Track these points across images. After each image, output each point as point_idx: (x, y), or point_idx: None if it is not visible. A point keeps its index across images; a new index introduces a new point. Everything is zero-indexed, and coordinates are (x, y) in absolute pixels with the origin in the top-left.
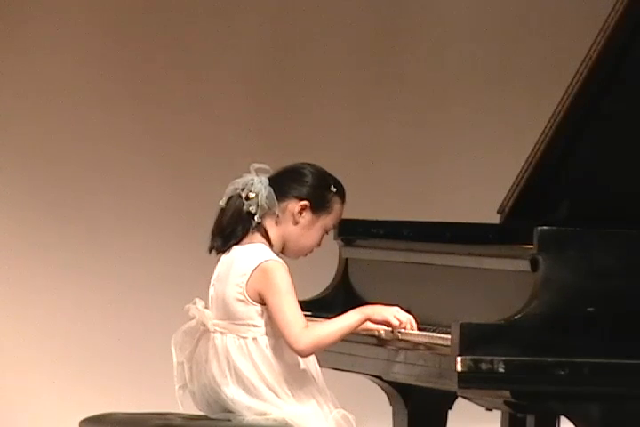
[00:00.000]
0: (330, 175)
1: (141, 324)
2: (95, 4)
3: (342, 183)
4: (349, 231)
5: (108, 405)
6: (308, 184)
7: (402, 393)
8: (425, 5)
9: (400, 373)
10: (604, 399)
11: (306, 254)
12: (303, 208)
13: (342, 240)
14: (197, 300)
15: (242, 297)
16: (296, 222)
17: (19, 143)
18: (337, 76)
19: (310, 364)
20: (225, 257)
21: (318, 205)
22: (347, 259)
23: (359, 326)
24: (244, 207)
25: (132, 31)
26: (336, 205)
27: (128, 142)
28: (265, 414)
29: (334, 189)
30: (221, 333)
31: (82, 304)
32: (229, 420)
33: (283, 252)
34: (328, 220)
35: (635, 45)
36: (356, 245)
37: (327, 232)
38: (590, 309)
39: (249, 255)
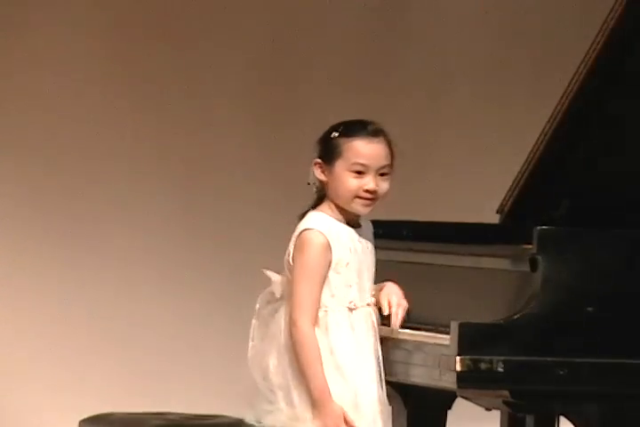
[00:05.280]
0: (338, 124)
1: (141, 324)
2: (94, 5)
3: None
4: None
5: (107, 405)
6: (317, 145)
7: (402, 393)
8: (425, 4)
9: (400, 373)
10: (604, 399)
11: (361, 198)
12: (319, 166)
13: None
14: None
15: (288, 265)
16: (326, 182)
17: (18, 144)
18: (336, 76)
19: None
20: None
21: (327, 157)
22: None
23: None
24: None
25: (131, 33)
26: (345, 145)
27: (126, 143)
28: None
29: (336, 134)
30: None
31: (81, 304)
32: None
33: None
34: (348, 160)
35: (634, 45)
36: None
37: (362, 171)
38: (589, 308)
39: (300, 224)
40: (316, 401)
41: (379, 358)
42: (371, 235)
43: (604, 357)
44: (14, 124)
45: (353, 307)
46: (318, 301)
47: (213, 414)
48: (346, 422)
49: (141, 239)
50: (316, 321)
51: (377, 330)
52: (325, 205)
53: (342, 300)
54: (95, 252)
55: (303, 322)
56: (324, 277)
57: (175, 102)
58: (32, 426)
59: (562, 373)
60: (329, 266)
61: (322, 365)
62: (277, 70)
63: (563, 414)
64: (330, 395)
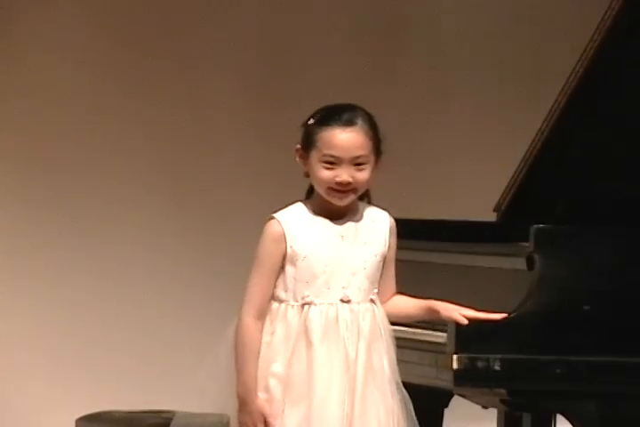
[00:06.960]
0: (318, 109)
1: (138, 323)
2: (93, 14)
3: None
4: None
5: (104, 403)
6: (300, 129)
7: None
8: (423, 5)
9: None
10: (600, 398)
11: (334, 190)
12: (299, 154)
13: None
14: None
15: None
16: (306, 171)
17: (17, 144)
18: (334, 76)
19: None
20: None
21: (304, 144)
22: None
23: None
24: None
25: (128, 30)
26: (318, 135)
27: (124, 141)
28: None
29: (312, 121)
30: None
31: (79, 303)
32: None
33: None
34: (320, 151)
35: (630, 44)
36: None
37: (334, 162)
38: (586, 307)
39: None
40: (239, 397)
41: (350, 362)
42: (377, 227)
43: (600, 355)
44: (14, 121)
45: (308, 302)
46: (266, 292)
47: (210, 413)
48: (266, 424)
49: (139, 235)
50: (263, 313)
51: (350, 331)
52: (315, 194)
53: (296, 294)
54: (93, 252)
55: (243, 312)
56: (275, 268)
57: (173, 108)
58: (29, 424)
59: (559, 371)
60: (283, 257)
61: (254, 360)
62: (277, 69)
63: (559, 413)
64: (254, 392)
